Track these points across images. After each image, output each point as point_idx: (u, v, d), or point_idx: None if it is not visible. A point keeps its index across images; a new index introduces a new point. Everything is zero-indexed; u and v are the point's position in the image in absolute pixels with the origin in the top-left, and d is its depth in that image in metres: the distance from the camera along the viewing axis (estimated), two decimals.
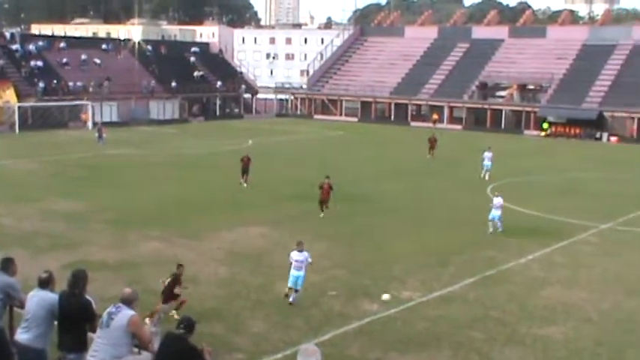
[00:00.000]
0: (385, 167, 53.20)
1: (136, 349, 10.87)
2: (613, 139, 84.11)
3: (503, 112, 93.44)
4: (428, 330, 19.98)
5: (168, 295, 19.66)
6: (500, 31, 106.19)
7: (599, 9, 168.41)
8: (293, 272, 21.39)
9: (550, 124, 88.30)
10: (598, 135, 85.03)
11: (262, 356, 17.75)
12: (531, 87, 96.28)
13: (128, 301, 10.95)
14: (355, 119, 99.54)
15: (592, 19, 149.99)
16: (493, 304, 22.28)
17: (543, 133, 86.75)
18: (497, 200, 32.11)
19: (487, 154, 48.84)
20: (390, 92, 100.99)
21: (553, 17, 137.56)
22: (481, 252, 28.67)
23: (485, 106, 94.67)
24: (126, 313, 10.75)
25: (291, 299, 21.39)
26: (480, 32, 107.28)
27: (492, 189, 43.19)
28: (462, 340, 19.31)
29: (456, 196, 41.58)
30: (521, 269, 26.58)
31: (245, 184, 41.49)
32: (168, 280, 19.85)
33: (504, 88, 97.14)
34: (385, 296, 22.10)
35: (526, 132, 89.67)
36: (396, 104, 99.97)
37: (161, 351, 10.49)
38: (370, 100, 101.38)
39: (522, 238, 31.20)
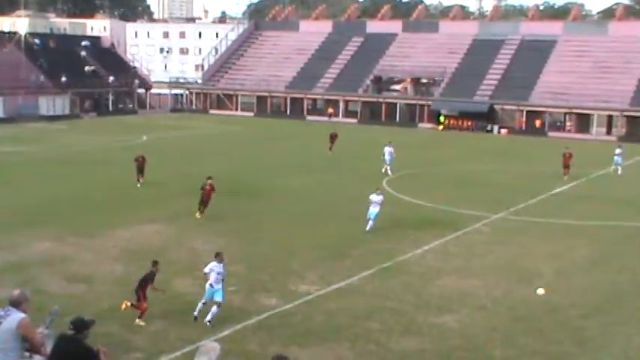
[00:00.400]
0: (284, 162, 53.19)
1: (27, 354, 10.45)
2: (503, 131, 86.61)
3: (398, 106, 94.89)
4: (327, 323, 20.07)
5: (138, 294, 19.44)
6: (394, 26, 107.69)
7: (488, 4, 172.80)
8: (213, 286, 19.51)
9: (445, 117, 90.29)
10: (489, 127, 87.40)
11: (160, 355, 17.47)
12: (425, 81, 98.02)
13: (17, 303, 10.44)
14: (251, 114, 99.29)
15: (482, 15, 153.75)
16: (390, 295, 22.56)
17: (441, 127, 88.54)
18: (377, 197, 31.08)
19: (387, 149, 49.33)
20: (286, 86, 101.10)
21: (445, 12, 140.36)
22: (378, 244, 28.98)
23: (380, 100, 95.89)
24: (15, 317, 10.23)
25: (208, 318, 19.33)
26: (374, 26, 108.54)
27: (387, 182, 43.88)
28: (361, 331, 19.48)
29: (355, 190, 41.85)
30: (417, 260, 27.01)
31: (139, 184, 40.46)
32: (141, 278, 19.61)
33: (398, 82, 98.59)
34: (540, 290, 22.55)
35: (420, 125, 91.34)
36: (291, 99, 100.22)
37: (54, 353, 10.13)
38: (266, 94, 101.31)
39: (418, 229, 31.71)
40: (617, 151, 53.23)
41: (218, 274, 19.52)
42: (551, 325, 20.45)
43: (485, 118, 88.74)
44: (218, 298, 19.46)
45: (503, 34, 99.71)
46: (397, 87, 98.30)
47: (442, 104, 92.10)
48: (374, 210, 30.83)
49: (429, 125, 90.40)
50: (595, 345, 19.14)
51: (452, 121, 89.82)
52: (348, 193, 41.00)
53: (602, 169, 53.68)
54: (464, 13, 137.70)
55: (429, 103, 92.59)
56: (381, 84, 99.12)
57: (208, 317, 19.27)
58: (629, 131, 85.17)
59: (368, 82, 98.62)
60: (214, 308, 19.35)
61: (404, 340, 19.07)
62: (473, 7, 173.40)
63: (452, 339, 19.24)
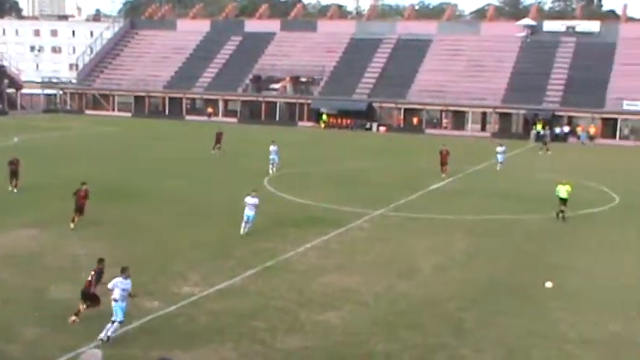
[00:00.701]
0: (162, 162, 52.41)
1: None
2: (382, 128, 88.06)
3: (278, 105, 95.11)
4: (211, 324, 19.87)
5: (89, 295, 19.20)
6: (272, 25, 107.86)
7: (365, 4, 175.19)
8: (120, 304, 18.41)
9: (326, 115, 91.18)
10: (368, 125, 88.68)
11: None
12: (304, 80, 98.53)
13: None
14: (129, 114, 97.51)
15: (359, 14, 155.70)
16: (274, 294, 22.54)
17: (323, 125, 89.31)
18: (252, 200, 30.29)
19: (272, 148, 49.24)
20: (164, 86, 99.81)
21: (323, 11, 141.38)
22: (260, 244, 28.90)
23: (260, 99, 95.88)
24: None
25: (109, 333, 18.26)
26: (252, 25, 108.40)
27: (269, 181, 43.87)
28: (245, 331, 19.37)
29: (235, 189, 41.61)
30: (299, 258, 27.09)
31: (15, 190, 38.79)
32: (88, 278, 19.33)
33: (278, 81, 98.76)
34: (548, 284, 23.28)
35: (300, 124, 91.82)
36: (170, 98, 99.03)
37: None
38: (143, 94, 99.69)
39: (300, 227, 31.80)
40: (499, 149, 54.90)
41: (123, 290, 18.48)
42: (431, 318, 20.90)
43: (365, 116, 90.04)
44: (118, 316, 18.35)
45: (381, 34, 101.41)
46: (276, 86, 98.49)
47: (322, 103, 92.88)
48: (249, 213, 30.11)
49: (309, 124, 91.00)
50: (473, 336, 19.65)
51: (331, 120, 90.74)
52: (228, 192, 40.69)
53: (478, 165, 55.36)
54: (341, 13, 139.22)
55: (309, 101, 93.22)
56: (261, 83, 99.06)
57: (102, 334, 18.04)
58: (501, 127, 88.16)
59: (247, 81, 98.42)
60: (109, 324, 18.29)
61: (288, 338, 19.08)
62: (350, 7, 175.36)
63: (335, 335, 19.38)
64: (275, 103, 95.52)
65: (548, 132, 79.87)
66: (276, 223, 32.34)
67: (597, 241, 31.28)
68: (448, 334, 19.69)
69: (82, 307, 19.29)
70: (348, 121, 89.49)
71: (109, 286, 18.62)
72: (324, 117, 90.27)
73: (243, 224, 30.10)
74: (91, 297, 19.30)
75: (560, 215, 34.63)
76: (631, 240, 31.52)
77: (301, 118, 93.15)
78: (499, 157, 54.53)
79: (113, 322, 18.21)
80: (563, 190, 34.87)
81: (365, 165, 54.46)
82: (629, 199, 42.16)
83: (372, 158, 59.17)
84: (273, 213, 34.55)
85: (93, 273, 19.45)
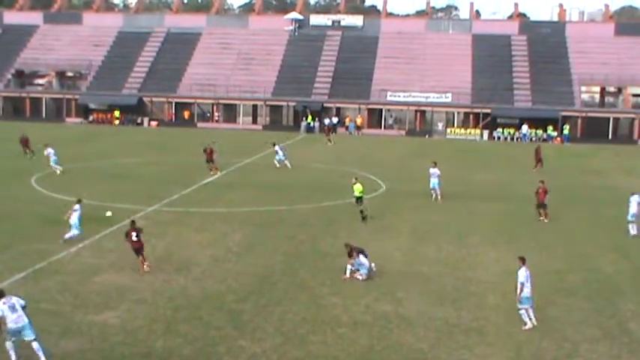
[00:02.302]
0: None
1: None
2: (153, 123, 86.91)
3: (44, 100, 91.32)
4: None
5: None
6: (34, 17, 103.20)
7: None
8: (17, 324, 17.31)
9: (92, 110, 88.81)
10: (139, 120, 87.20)
11: None
12: (70, 74, 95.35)
13: None
14: None
15: (126, 7, 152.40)
16: (45, 297, 21.70)
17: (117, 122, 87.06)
18: None
19: (49, 150, 46.72)
20: None
21: (88, 4, 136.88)
22: (30, 245, 27.71)
23: (24, 95, 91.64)
24: None
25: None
26: (12, 17, 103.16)
27: (36, 180, 42.15)
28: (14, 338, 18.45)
29: (1, 189, 39.69)
30: (72, 258, 26.24)
31: None
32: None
33: (43, 76, 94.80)
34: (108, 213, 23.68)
35: (68, 119, 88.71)
36: None
37: None
38: None
39: (67, 227, 30.71)
40: (277, 148, 53.42)
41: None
42: (209, 312, 20.97)
43: (135, 110, 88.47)
44: (29, 336, 17.30)
45: (149, 27, 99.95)
46: (41, 81, 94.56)
47: (90, 98, 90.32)
48: None
49: (78, 119, 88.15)
50: (252, 326, 19.94)
51: (101, 115, 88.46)
52: None
53: (250, 158, 56.02)
54: (108, 5, 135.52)
55: (77, 97, 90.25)
56: (24, 78, 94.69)
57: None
58: (272, 119, 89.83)
59: (9, 76, 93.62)
60: (35, 345, 17.20)
61: (63, 342, 18.46)
62: (117, 0, 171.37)
63: (113, 335, 18.98)
64: (40, 98, 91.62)
65: (318, 124, 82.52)
66: (46, 224, 31.15)
67: (367, 228, 32.65)
68: (228, 327, 19.85)
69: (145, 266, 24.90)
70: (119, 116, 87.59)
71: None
72: (117, 113, 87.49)
73: None
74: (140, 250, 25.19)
75: (361, 215, 34.06)
76: (397, 225, 33.22)
77: (69, 114, 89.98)
78: (278, 156, 51.46)
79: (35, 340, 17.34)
80: (355, 190, 35.86)
81: (137, 160, 53.53)
82: (395, 186, 44.39)
83: (144, 153, 58.23)
84: (42, 213, 33.32)
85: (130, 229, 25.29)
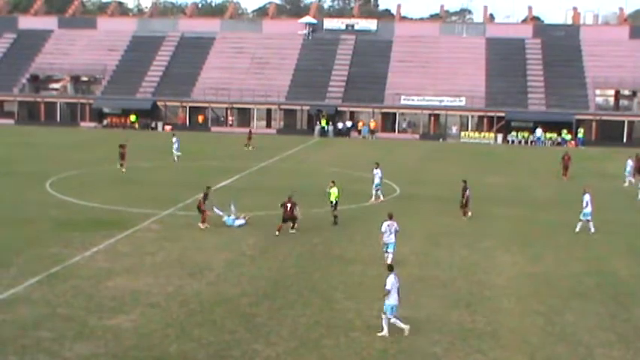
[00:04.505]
0: None
1: None
2: (167, 127, 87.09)
3: (58, 105, 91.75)
4: None
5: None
6: (49, 22, 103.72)
7: (146, 1, 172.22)
8: None
9: (106, 115, 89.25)
10: (154, 124, 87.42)
11: None
12: (85, 79, 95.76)
13: None
14: None
15: (140, 11, 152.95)
16: (60, 301, 21.74)
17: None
18: None
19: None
20: None
21: (102, 8, 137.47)
22: (45, 249, 27.79)
23: (39, 99, 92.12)
24: None
25: None
26: (27, 22, 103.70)
27: (51, 184, 42.34)
28: (29, 342, 18.54)
29: (15, 194, 39.80)
30: (86, 262, 26.29)
31: None
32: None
33: (57, 81, 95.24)
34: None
35: (82, 124, 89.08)
36: None
37: None
38: None
39: (86, 231, 30.86)
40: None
41: None
42: (223, 315, 20.97)
43: (149, 114, 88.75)
44: None
45: (163, 31, 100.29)
46: (56, 86, 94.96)
47: (104, 102, 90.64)
48: None
49: (92, 124, 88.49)
50: (266, 330, 19.92)
51: (115, 119, 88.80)
52: (5, 197, 38.83)
53: (264, 162, 56.06)
54: (122, 10, 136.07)
55: (91, 101, 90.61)
56: (39, 83, 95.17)
57: None
58: (286, 123, 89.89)
59: (24, 80, 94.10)
60: None
61: (77, 346, 18.48)
62: (131, 4, 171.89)
63: (127, 340, 19.00)
64: (55, 103, 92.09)
65: (332, 127, 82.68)
66: (60, 228, 31.25)
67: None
68: (241, 330, 19.84)
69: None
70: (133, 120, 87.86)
71: None
72: (133, 118, 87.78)
73: None
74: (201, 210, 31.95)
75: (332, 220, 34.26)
76: (413, 229, 33.11)
77: (83, 119, 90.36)
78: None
79: None
80: (331, 194, 34.62)
81: (151, 165, 53.65)
82: (408, 190, 44.31)
83: (158, 158, 58.27)
84: (56, 217, 33.45)
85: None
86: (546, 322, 21.21)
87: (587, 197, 33.52)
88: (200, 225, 32.25)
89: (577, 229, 33.54)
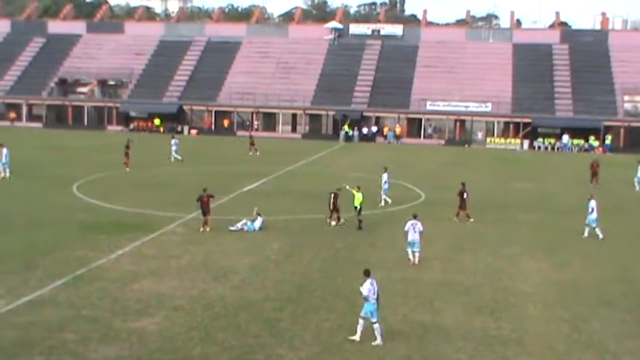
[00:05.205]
0: None
1: None
2: (193, 131, 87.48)
3: (86, 109, 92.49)
4: (18, 338, 18.99)
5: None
6: (78, 26, 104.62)
7: (173, 6, 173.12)
8: None
9: (133, 118, 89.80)
10: (180, 128, 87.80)
11: None
12: (112, 83, 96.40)
13: None
14: None
15: (167, 16, 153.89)
16: (85, 303, 21.88)
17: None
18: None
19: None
20: None
21: (130, 13, 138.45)
22: (71, 252, 27.98)
23: (67, 103, 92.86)
24: None
25: None
26: (56, 27, 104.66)
27: (78, 187, 42.65)
28: (55, 343, 18.68)
29: (42, 196, 40.12)
30: (112, 265, 26.44)
31: None
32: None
33: (85, 85, 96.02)
34: None
35: (109, 127, 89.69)
36: None
37: None
38: None
39: (111, 234, 31.04)
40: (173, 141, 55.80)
41: None
42: (247, 319, 20.99)
43: (175, 119, 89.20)
44: None
45: (190, 36, 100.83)
46: (84, 89, 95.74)
47: (131, 106, 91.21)
48: None
49: (119, 128, 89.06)
50: (289, 334, 19.92)
51: (141, 123, 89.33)
52: (32, 199, 39.18)
53: (289, 166, 56.12)
54: (149, 14, 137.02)
55: (118, 105, 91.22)
56: (67, 86, 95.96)
57: None
58: (312, 128, 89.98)
59: (53, 84, 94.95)
60: None
61: (102, 348, 18.58)
62: (158, 9, 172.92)
63: (151, 342, 19.07)
64: (82, 107, 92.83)
65: (357, 133, 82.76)
66: (86, 230, 31.46)
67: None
68: (265, 335, 19.85)
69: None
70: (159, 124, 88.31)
71: None
72: (158, 122, 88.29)
73: None
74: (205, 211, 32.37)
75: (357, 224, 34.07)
76: (437, 235, 32.99)
77: (110, 122, 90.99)
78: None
79: None
80: (356, 199, 34.30)
81: (177, 169, 53.87)
82: (434, 195, 44.16)
83: (184, 162, 58.49)
84: (83, 220, 33.69)
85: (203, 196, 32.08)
86: (572, 330, 21.04)
87: (592, 203, 33.57)
88: (201, 229, 32.39)
89: (585, 235, 33.50)
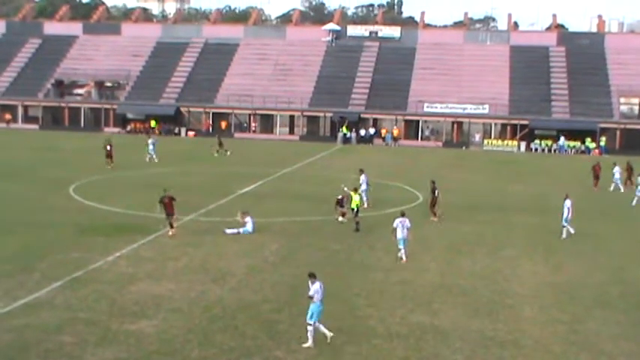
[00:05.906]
0: None
1: None
2: (190, 133, 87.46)
3: (82, 110, 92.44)
4: (14, 341, 18.96)
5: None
6: (74, 27, 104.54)
7: (170, 8, 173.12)
8: None
9: (130, 120, 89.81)
10: (177, 130, 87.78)
11: None
12: (109, 84, 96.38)
13: None
14: None
15: (164, 17, 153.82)
16: (82, 306, 21.86)
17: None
18: None
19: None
20: None
21: (127, 14, 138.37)
22: (67, 254, 27.94)
23: (63, 105, 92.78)
24: None
25: None
26: (52, 28, 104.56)
27: (75, 189, 42.59)
28: (52, 346, 18.66)
29: (38, 198, 40.07)
30: (109, 267, 26.41)
31: None
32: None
33: (82, 86, 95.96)
34: None
35: (106, 129, 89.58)
36: None
37: None
38: None
39: (108, 236, 31.03)
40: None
41: None
42: (245, 321, 20.99)
43: (172, 120, 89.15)
44: None
45: (187, 37, 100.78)
46: (80, 91, 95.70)
47: (128, 107, 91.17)
48: None
49: (116, 129, 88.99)
50: (287, 336, 19.91)
51: (138, 125, 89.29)
52: (27, 200, 39.14)
53: (286, 168, 56.13)
54: (146, 16, 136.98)
55: (115, 107, 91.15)
56: (64, 88, 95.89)
57: None
58: (309, 130, 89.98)
59: (49, 86, 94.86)
60: None
61: (99, 350, 18.57)
62: (155, 10, 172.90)
63: (149, 345, 19.07)
64: (79, 108, 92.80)
65: (355, 135, 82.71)
66: (83, 233, 31.44)
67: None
68: (263, 337, 19.85)
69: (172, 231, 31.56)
70: (158, 126, 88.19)
71: None
72: (153, 123, 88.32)
73: None
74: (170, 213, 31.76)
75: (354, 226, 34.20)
76: (434, 237, 33.03)
77: (107, 124, 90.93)
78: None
79: None
80: (353, 200, 34.62)
81: (173, 170, 53.84)
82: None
83: (181, 163, 58.55)
84: (80, 222, 33.65)
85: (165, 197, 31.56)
86: (569, 331, 21.08)
87: (567, 203, 33.59)
88: (170, 232, 31.81)
89: (563, 236, 33.59)
